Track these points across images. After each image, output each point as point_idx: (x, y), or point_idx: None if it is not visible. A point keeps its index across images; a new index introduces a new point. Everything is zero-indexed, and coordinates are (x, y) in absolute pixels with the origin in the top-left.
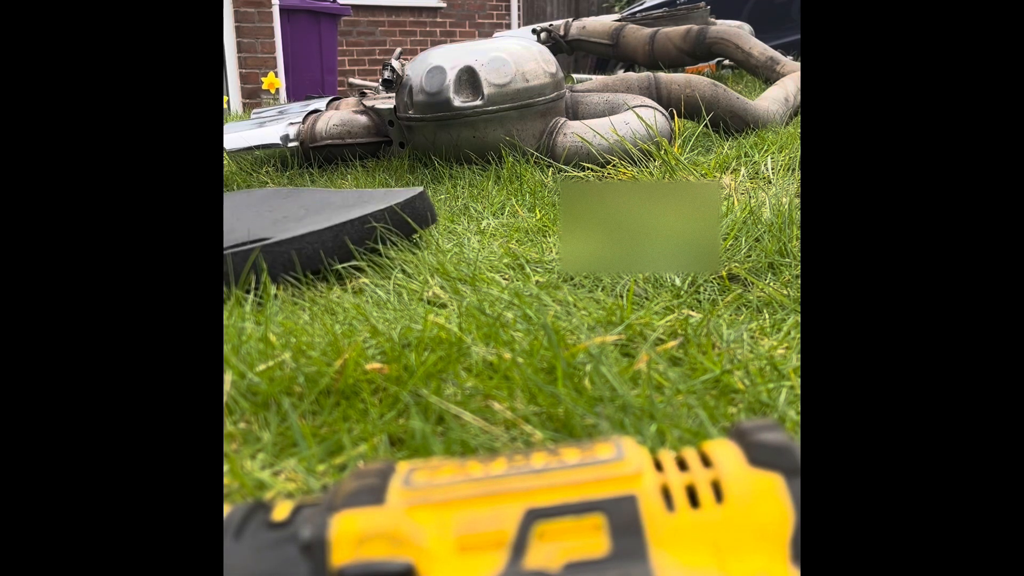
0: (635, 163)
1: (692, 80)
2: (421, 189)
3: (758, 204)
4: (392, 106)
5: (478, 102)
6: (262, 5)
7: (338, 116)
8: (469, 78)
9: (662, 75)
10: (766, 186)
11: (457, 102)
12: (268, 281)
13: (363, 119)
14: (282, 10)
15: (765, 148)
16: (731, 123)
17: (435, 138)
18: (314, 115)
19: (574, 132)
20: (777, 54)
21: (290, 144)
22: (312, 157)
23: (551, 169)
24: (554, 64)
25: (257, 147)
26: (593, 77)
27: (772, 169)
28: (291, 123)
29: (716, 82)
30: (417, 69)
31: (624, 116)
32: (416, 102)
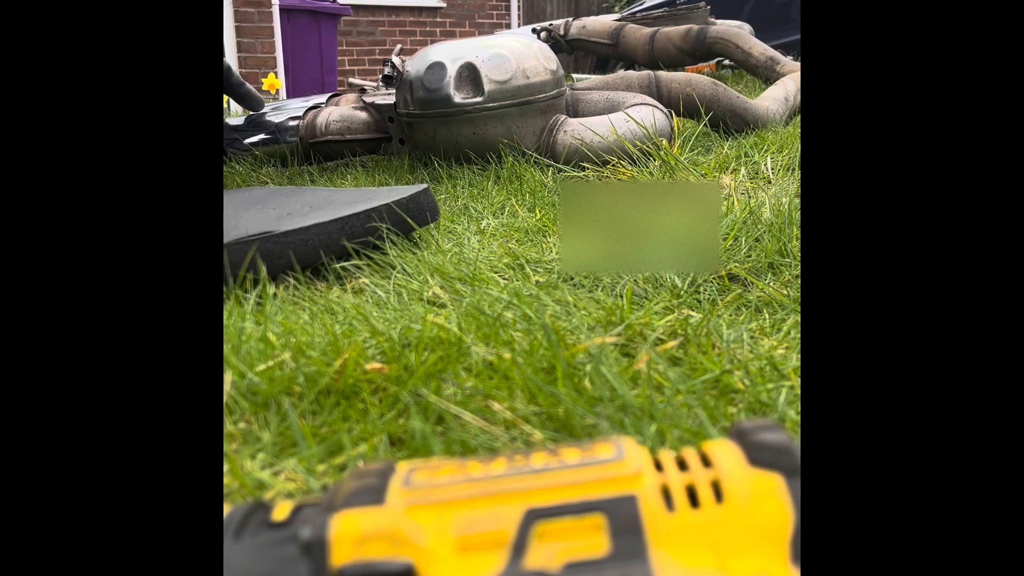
0: (635, 162)
1: (692, 79)
2: (425, 186)
3: (758, 204)
4: (392, 102)
5: (478, 99)
6: (262, 5)
7: (338, 112)
8: (470, 74)
9: (662, 73)
10: (766, 186)
11: (457, 99)
12: (267, 280)
13: (363, 115)
14: (282, 10)
15: (765, 148)
16: (731, 122)
17: (435, 135)
18: (314, 111)
19: (574, 130)
20: (777, 54)
21: (289, 139)
22: (312, 154)
23: (551, 169)
24: (555, 61)
25: (257, 142)
26: (592, 76)
27: (772, 169)
28: (291, 118)
29: (716, 81)
30: (417, 65)
31: (623, 114)
32: (416, 98)
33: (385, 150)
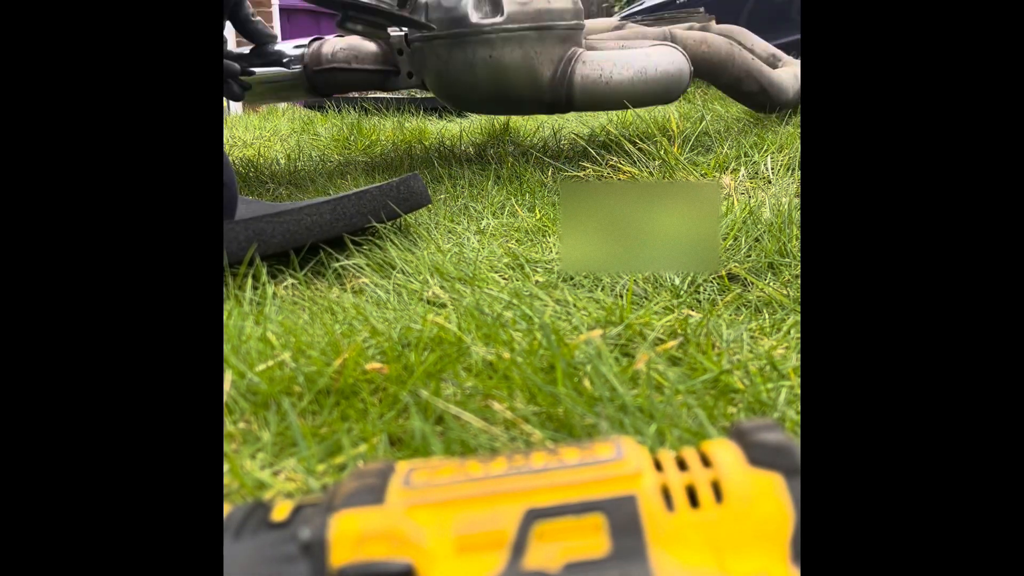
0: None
1: (708, 38)
2: (415, 173)
3: (758, 204)
4: (403, 34)
5: (497, 19)
6: (262, 5)
7: (345, 41)
8: None
9: (678, 29)
10: (766, 186)
11: (475, 18)
12: (261, 265)
13: (371, 46)
14: (282, 10)
15: (765, 148)
16: (744, 85)
17: (448, 59)
18: (319, 40)
19: (594, 63)
20: (779, 52)
21: (293, 68)
22: (318, 84)
23: (551, 168)
24: None
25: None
26: (601, 20)
27: (772, 169)
28: (296, 46)
29: (732, 41)
30: None
31: (645, 50)
32: (432, 18)
33: (391, 84)
